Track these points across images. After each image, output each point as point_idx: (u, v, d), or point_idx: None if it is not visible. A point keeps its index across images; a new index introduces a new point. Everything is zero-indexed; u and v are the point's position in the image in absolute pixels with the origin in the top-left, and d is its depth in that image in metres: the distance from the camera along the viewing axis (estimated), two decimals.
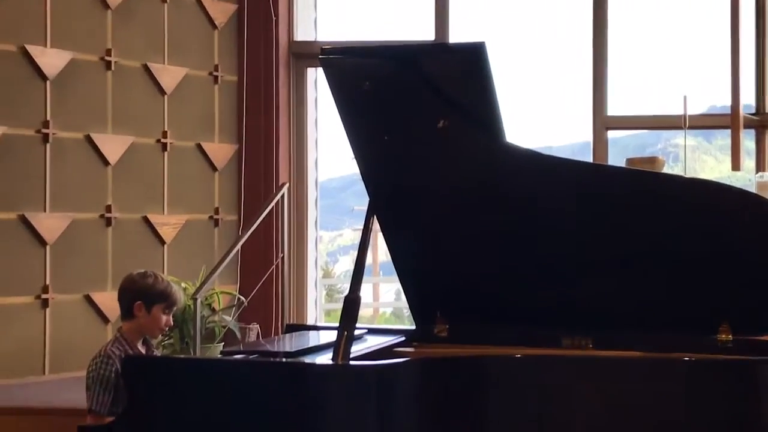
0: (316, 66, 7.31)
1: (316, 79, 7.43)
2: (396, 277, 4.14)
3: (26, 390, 5.63)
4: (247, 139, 7.16)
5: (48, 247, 6.10)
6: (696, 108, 6.37)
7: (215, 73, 7.07)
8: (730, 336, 3.60)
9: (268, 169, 7.10)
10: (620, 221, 3.56)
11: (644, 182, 3.58)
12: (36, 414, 5.06)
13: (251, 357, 3.55)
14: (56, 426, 4.91)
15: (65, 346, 6.07)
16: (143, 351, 3.96)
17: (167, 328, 4.10)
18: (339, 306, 7.78)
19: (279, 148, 7.14)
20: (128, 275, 3.98)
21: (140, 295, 3.88)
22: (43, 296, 6.07)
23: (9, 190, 5.95)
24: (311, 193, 7.39)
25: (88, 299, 6.27)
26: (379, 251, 15.60)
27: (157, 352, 4.43)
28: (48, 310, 6.08)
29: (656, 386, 3.30)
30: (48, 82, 6.14)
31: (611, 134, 6.90)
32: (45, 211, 6.10)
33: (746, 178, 6.62)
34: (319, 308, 7.59)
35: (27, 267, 6.03)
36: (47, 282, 6.09)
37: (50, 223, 6.10)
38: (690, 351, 3.45)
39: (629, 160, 5.87)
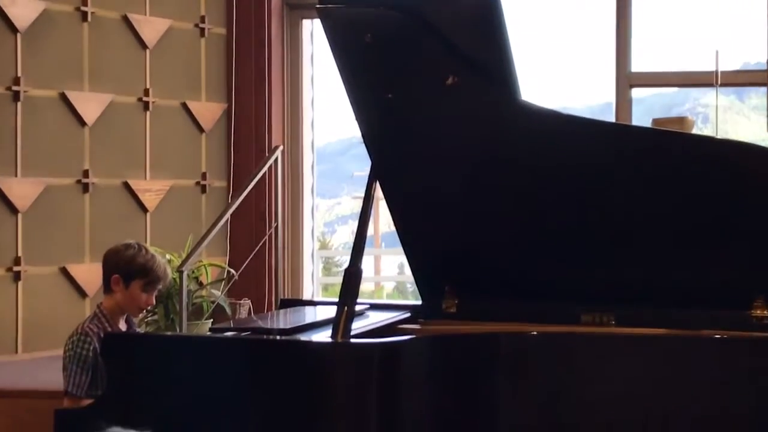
0: (312, 17, 7.28)
1: (313, 32, 7.40)
2: (399, 250, 4.14)
3: None
4: (236, 98, 7.14)
5: (20, 216, 6.10)
6: (728, 64, 6.34)
7: (201, 25, 7.04)
8: (765, 311, 3.61)
9: (260, 131, 7.09)
10: (645, 186, 3.55)
11: (673, 144, 3.57)
12: (8, 397, 5.07)
13: (243, 334, 3.56)
14: (30, 409, 4.93)
15: (39, 323, 6.09)
16: (124, 329, 3.96)
17: (148, 307, 4.09)
18: (337, 280, 7.79)
19: (272, 107, 7.12)
20: (113, 246, 3.97)
21: (118, 268, 3.87)
22: (15, 269, 6.07)
23: None
24: (307, 157, 7.38)
25: (64, 272, 6.28)
26: (381, 221, 15.62)
27: (140, 330, 4.44)
28: (20, 283, 6.09)
29: (684, 366, 3.32)
30: (18, 35, 6.12)
31: (635, 93, 6.88)
32: (16, 176, 6.09)
33: None
34: (316, 282, 7.60)
35: None
36: (19, 253, 6.09)
37: (22, 189, 6.10)
38: (720, 328, 3.46)
39: (655, 121, 5.85)
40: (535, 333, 3.45)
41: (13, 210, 6.07)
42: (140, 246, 3.92)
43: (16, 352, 6.05)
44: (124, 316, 3.95)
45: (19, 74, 6.10)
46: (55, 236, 6.25)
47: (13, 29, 6.09)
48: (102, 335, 3.72)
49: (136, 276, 3.85)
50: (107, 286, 3.91)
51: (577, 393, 3.37)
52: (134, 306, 3.91)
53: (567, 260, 3.77)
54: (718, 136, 5.98)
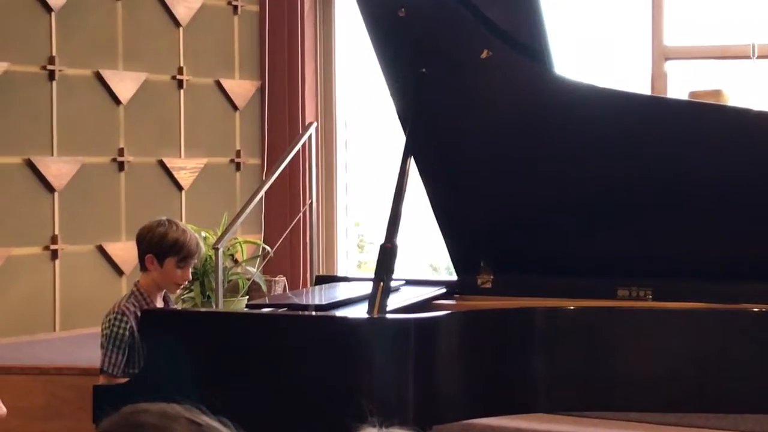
0: None
1: (345, 8, 7.37)
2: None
3: (36, 348, 5.69)
4: (270, 75, 7.14)
5: (56, 194, 6.13)
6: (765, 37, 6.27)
7: (234, 3, 7.04)
8: None
9: (294, 108, 7.08)
10: (684, 159, 3.52)
11: (711, 116, 3.54)
12: (46, 374, 5.11)
13: (279, 311, 3.56)
14: (68, 386, 4.96)
15: (76, 300, 6.13)
16: (161, 306, 3.96)
17: (185, 283, 4.08)
18: (370, 257, 7.77)
19: (305, 84, 7.12)
20: (144, 224, 3.96)
21: (151, 247, 3.84)
22: (52, 247, 6.11)
23: (13, 132, 5.97)
24: (341, 134, 7.37)
25: (101, 250, 6.32)
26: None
27: (176, 307, 4.44)
28: (57, 261, 6.13)
29: (723, 340, 3.29)
30: (53, 14, 6.14)
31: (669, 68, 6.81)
32: (52, 154, 6.12)
33: None
34: (351, 259, 7.60)
35: (34, 215, 6.07)
36: (56, 232, 6.13)
37: (58, 168, 6.13)
38: (760, 301, 3.42)
39: (692, 93, 5.80)
40: (571, 308, 3.43)
41: (50, 189, 6.10)
42: (171, 222, 3.89)
43: (55, 329, 6.10)
44: (162, 294, 3.94)
45: (54, 53, 6.12)
46: (92, 215, 6.28)
47: (48, 8, 6.10)
48: (139, 314, 3.73)
49: (169, 254, 3.82)
50: (143, 265, 3.90)
51: (614, 368, 3.35)
52: (171, 283, 3.90)
53: (603, 234, 3.74)
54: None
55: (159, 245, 3.82)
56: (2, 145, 5.92)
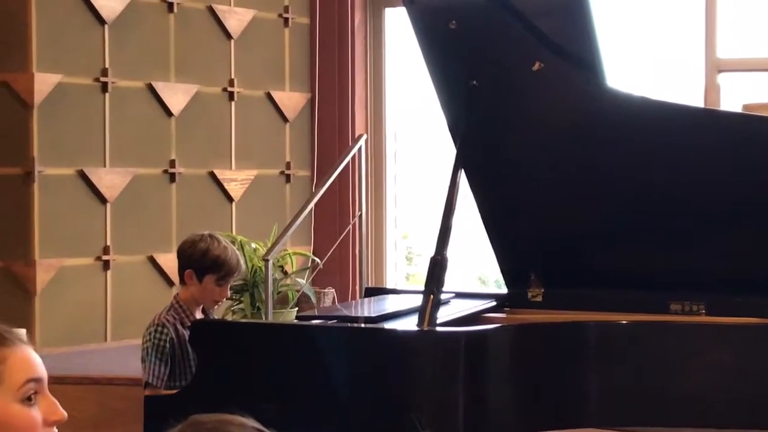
0: (395, 5, 7.27)
1: (396, 21, 7.39)
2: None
3: (87, 358, 5.74)
4: (320, 87, 7.16)
5: (108, 205, 6.19)
6: None
7: (285, 15, 7.08)
8: None
9: (344, 120, 7.10)
10: (739, 172, 3.49)
11: (765, 129, 3.50)
12: (97, 383, 5.15)
13: (329, 322, 3.56)
14: (120, 396, 5.00)
15: (128, 311, 6.17)
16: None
17: (222, 300, 4.03)
18: (418, 270, 7.76)
19: (355, 96, 7.13)
20: (186, 238, 3.93)
21: (191, 262, 3.79)
22: (104, 258, 6.16)
23: (66, 143, 6.04)
24: (390, 146, 7.38)
25: (152, 261, 6.36)
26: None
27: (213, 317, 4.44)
28: (109, 272, 6.18)
29: None
30: (106, 27, 6.20)
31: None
32: (105, 166, 6.18)
33: None
34: (400, 271, 7.59)
35: (86, 226, 6.12)
36: (108, 242, 6.18)
37: (110, 179, 6.19)
38: None
39: (746, 106, 5.75)
40: (624, 322, 3.41)
41: (102, 200, 6.16)
42: (213, 237, 3.84)
43: (106, 339, 6.14)
44: (200, 307, 3.91)
45: (107, 66, 6.18)
46: (143, 225, 6.33)
47: (101, 21, 6.17)
48: (178, 326, 3.72)
49: (208, 270, 3.77)
50: (182, 279, 3.87)
51: (667, 383, 3.33)
52: (209, 299, 3.85)
53: (655, 248, 3.71)
54: None
55: (199, 261, 3.78)
56: (55, 156, 5.99)
